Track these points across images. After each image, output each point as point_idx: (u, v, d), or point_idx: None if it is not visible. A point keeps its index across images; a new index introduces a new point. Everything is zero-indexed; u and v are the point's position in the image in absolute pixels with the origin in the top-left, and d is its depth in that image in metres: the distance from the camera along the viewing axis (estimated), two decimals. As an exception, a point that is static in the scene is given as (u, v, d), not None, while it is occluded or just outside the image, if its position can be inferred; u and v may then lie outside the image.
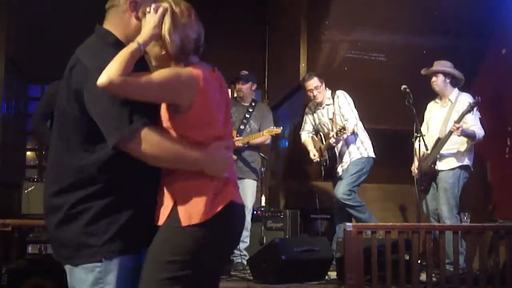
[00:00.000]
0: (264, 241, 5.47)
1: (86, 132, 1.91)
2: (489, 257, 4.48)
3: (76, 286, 1.99)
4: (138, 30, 1.94)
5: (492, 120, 5.16)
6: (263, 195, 6.82)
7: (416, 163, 5.08)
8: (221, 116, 2.02)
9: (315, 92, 5.26)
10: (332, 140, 5.07)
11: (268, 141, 5.34)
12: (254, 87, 5.37)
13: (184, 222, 1.89)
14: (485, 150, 5.22)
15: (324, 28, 5.65)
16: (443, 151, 4.94)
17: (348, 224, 4.14)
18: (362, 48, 5.71)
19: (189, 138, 1.94)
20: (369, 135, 5.32)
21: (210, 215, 1.91)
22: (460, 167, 4.93)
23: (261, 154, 6.93)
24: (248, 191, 5.13)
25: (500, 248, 4.38)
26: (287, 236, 5.49)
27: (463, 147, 4.93)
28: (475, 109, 4.80)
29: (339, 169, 5.28)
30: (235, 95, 5.42)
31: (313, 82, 5.25)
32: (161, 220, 1.94)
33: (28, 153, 7.49)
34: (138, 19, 1.99)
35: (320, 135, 5.40)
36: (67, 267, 2.00)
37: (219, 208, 1.93)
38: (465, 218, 4.84)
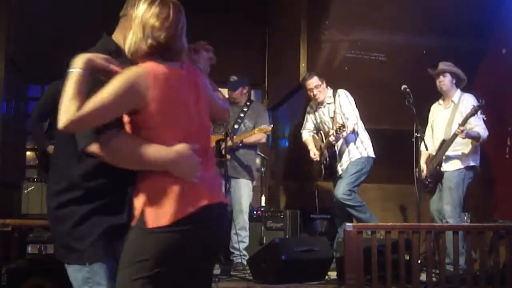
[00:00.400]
0: (264, 241, 5.47)
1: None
2: (489, 257, 4.48)
3: (72, 282, 2.08)
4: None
5: (492, 120, 5.16)
6: (263, 195, 6.82)
7: (421, 164, 5.14)
8: (187, 115, 1.98)
9: (315, 91, 5.26)
10: (332, 138, 5.08)
11: (264, 140, 5.31)
12: (245, 90, 5.29)
13: (151, 224, 1.90)
14: (485, 150, 5.22)
15: (324, 28, 5.65)
16: (448, 152, 4.98)
17: (348, 224, 4.14)
18: (362, 48, 5.71)
19: (152, 138, 1.93)
20: (369, 135, 5.32)
21: (177, 218, 1.90)
22: (466, 168, 4.98)
23: (261, 154, 6.95)
24: (243, 191, 5.10)
25: (500, 248, 4.38)
26: (287, 236, 5.49)
27: (468, 148, 4.98)
28: (479, 112, 4.83)
29: (339, 168, 5.28)
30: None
31: (313, 81, 5.25)
32: (134, 222, 1.97)
33: (28, 153, 7.48)
34: None
35: (321, 134, 5.40)
36: (65, 264, 2.08)
37: (188, 212, 1.91)
38: (465, 218, 4.85)
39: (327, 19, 5.64)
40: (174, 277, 1.94)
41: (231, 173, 5.01)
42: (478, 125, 4.88)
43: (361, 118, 5.28)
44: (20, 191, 6.05)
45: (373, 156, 5.26)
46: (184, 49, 2.02)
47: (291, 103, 6.85)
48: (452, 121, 4.99)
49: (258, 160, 7.82)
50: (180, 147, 1.94)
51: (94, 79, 1.90)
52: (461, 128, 4.77)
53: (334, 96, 5.26)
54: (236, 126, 5.16)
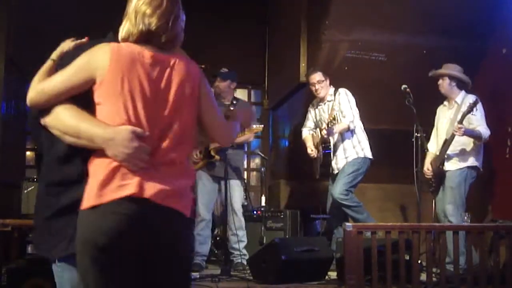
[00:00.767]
0: (264, 241, 5.47)
1: None
2: (489, 257, 4.48)
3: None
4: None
5: (492, 120, 5.16)
6: (263, 195, 6.82)
7: (427, 164, 5.19)
8: (141, 101, 1.88)
9: (317, 86, 5.27)
10: (324, 132, 5.08)
11: (252, 139, 5.30)
12: (233, 86, 5.26)
13: (82, 206, 1.83)
14: (485, 150, 5.22)
15: (324, 28, 5.65)
16: (450, 152, 5.02)
17: (348, 224, 4.14)
18: (362, 48, 5.71)
19: (99, 115, 1.89)
20: (369, 135, 5.32)
21: (96, 203, 1.80)
22: (467, 167, 5.00)
23: (261, 154, 6.95)
24: (234, 192, 5.11)
25: (500, 248, 4.38)
26: (287, 236, 5.49)
27: (469, 148, 5.00)
28: (475, 109, 4.82)
29: (334, 166, 5.25)
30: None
31: (316, 76, 5.27)
32: None
33: (28, 153, 7.47)
34: None
35: (319, 131, 5.40)
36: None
37: (109, 199, 1.79)
38: (465, 218, 4.85)
39: (327, 19, 5.63)
40: (98, 266, 1.80)
41: (221, 174, 5.00)
42: (480, 125, 4.91)
43: (361, 118, 5.28)
44: (20, 191, 6.05)
45: (370, 157, 5.24)
46: (177, 40, 2.01)
47: (291, 103, 6.85)
48: (454, 121, 5.01)
49: (258, 160, 7.83)
50: (121, 128, 1.84)
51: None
52: (459, 125, 4.77)
53: (335, 94, 5.26)
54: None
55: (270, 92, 7.62)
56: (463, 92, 5.14)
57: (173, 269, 1.91)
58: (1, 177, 5.91)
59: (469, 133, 4.85)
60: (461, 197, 4.95)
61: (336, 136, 5.22)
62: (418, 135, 5.00)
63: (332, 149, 5.26)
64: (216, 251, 5.72)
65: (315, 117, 5.46)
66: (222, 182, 5.05)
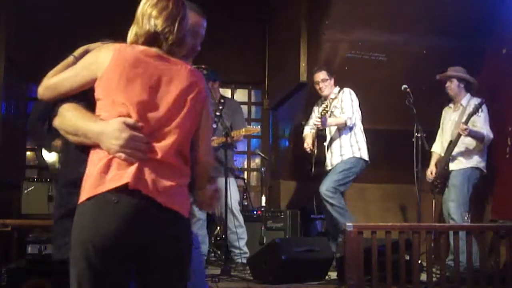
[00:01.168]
0: (264, 241, 5.47)
1: None
2: (489, 257, 4.48)
3: None
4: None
5: (492, 120, 5.17)
6: (263, 195, 6.82)
7: (431, 165, 5.30)
8: (141, 93, 1.89)
9: (321, 85, 5.28)
10: (317, 121, 5.08)
11: (242, 139, 5.31)
12: (216, 85, 5.22)
13: (79, 200, 1.85)
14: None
15: (324, 28, 5.64)
16: (455, 152, 5.11)
17: (348, 224, 4.14)
18: (362, 48, 5.70)
19: (98, 111, 1.92)
20: (369, 135, 5.31)
21: (89, 195, 1.80)
22: (471, 168, 5.08)
23: (261, 154, 6.95)
24: (229, 190, 5.09)
25: (500, 248, 4.38)
26: (287, 236, 5.49)
27: (474, 149, 5.09)
28: (481, 110, 4.91)
29: (328, 162, 5.23)
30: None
31: (321, 75, 5.28)
32: None
33: (28, 153, 7.48)
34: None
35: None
36: None
37: (100, 191, 1.79)
38: (465, 218, 4.85)
39: (327, 19, 5.62)
40: (90, 263, 1.79)
41: (214, 173, 4.98)
42: (483, 127, 5.01)
43: (361, 118, 5.28)
44: (20, 191, 6.05)
45: (366, 159, 5.22)
46: (184, 45, 2.03)
47: (291, 103, 6.85)
48: (459, 123, 5.08)
49: (258, 160, 7.83)
50: (112, 120, 1.85)
51: None
52: (464, 126, 4.85)
53: (339, 93, 5.26)
54: (214, 126, 5.11)
55: (270, 92, 7.61)
56: (468, 95, 5.24)
57: (168, 266, 1.90)
58: (1, 177, 5.92)
59: (473, 134, 4.94)
60: (464, 196, 5.01)
61: (335, 133, 5.20)
62: (418, 135, 5.01)
63: (327, 146, 5.24)
64: (216, 251, 5.72)
65: (318, 115, 5.43)
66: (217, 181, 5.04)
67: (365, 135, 5.31)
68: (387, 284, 4.07)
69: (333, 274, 4.55)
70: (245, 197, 6.34)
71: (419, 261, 4.33)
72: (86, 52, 2.07)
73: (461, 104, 5.24)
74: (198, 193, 2.10)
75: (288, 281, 4.21)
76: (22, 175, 6.80)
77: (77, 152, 1.95)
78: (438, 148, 5.42)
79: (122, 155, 1.81)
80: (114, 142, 1.81)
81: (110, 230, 1.78)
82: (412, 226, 4.45)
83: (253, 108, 7.89)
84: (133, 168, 1.81)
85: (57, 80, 2.00)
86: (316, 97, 5.54)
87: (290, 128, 6.78)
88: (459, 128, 4.98)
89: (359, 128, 5.26)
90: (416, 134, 5.02)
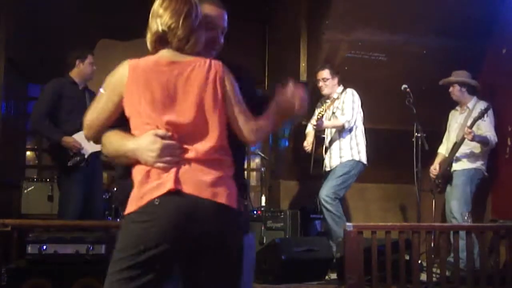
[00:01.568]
0: (264, 241, 5.47)
1: None
2: (489, 257, 4.48)
3: None
4: None
5: (492, 120, 5.19)
6: (263, 195, 6.82)
7: (435, 164, 5.36)
8: (155, 105, 1.95)
9: (321, 83, 5.27)
10: (313, 122, 5.10)
11: None
12: None
13: (126, 211, 1.94)
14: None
15: (324, 28, 5.64)
16: (459, 153, 5.18)
17: (348, 224, 4.14)
18: (362, 48, 5.70)
19: (132, 128, 2.01)
20: (369, 135, 5.31)
21: (138, 206, 1.89)
22: (474, 169, 5.16)
23: (261, 154, 6.94)
24: None
25: (500, 248, 4.38)
26: (287, 236, 5.49)
27: (477, 151, 5.16)
28: (486, 115, 4.99)
29: (327, 163, 5.22)
30: None
31: (323, 73, 5.28)
32: None
33: (28, 153, 7.48)
34: None
35: None
36: None
37: (147, 200, 1.88)
38: (465, 218, 4.86)
39: (327, 19, 5.62)
40: (131, 270, 1.86)
41: None
42: (488, 132, 5.08)
43: (363, 119, 5.27)
44: (20, 191, 6.05)
45: (365, 162, 5.21)
46: (193, 41, 2.02)
47: (291, 103, 6.83)
48: (464, 126, 5.15)
49: (258, 160, 7.83)
50: (143, 135, 1.94)
51: None
52: (469, 130, 4.92)
53: (342, 93, 5.25)
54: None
55: (270, 92, 7.60)
56: (475, 98, 5.30)
57: (219, 261, 1.93)
58: (1, 177, 5.91)
59: (478, 138, 5.01)
60: (466, 196, 5.07)
61: (335, 134, 5.19)
62: (418, 135, 5.02)
63: (326, 147, 5.24)
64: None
65: (320, 114, 5.41)
66: None
67: (365, 135, 5.31)
68: (387, 284, 4.07)
69: (333, 274, 4.55)
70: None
71: (419, 261, 4.33)
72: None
73: (468, 107, 5.31)
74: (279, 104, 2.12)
75: (288, 281, 4.22)
76: (22, 175, 6.79)
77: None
78: (443, 149, 5.48)
79: (160, 165, 1.91)
80: (150, 154, 1.91)
81: (156, 231, 1.85)
82: (412, 226, 4.45)
83: (253, 108, 7.87)
84: (172, 174, 1.90)
85: (90, 116, 2.07)
86: (315, 97, 5.54)
87: (290, 128, 6.77)
88: (464, 130, 5.04)
89: (360, 130, 5.23)
90: (416, 134, 5.03)
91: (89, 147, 4.79)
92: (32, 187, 5.98)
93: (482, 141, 5.06)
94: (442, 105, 5.55)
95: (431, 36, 5.61)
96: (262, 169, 7.11)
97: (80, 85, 5.03)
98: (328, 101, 5.34)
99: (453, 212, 5.01)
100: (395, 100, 5.28)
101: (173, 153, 1.91)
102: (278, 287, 4.16)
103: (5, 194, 6.11)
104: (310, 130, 5.49)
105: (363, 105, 5.30)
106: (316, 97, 5.53)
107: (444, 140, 5.54)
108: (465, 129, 4.97)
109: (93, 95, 4.60)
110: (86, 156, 4.81)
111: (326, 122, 5.11)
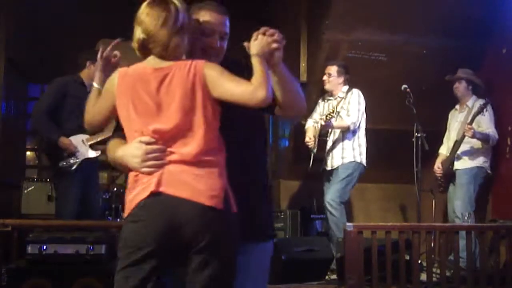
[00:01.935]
0: (264, 241, 5.45)
1: None
2: (489, 257, 4.48)
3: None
4: None
5: (492, 120, 5.20)
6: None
7: (437, 164, 5.36)
8: (147, 112, 2.00)
9: (325, 77, 5.25)
10: (322, 123, 5.06)
11: None
12: None
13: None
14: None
15: (324, 28, 5.64)
16: (460, 151, 5.19)
17: (348, 224, 4.14)
18: (362, 48, 5.70)
19: (125, 134, 2.09)
20: (369, 135, 5.30)
21: (129, 209, 2.00)
22: (477, 167, 5.17)
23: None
24: None
25: (500, 248, 4.38)
26: (287, 236, 5.49)
27: (479, 148, 5.17)
28: (485, 110, 5.01)
29: (328, 162, 5.19)
30: None
31: (331, 69, 5.25)
32: None
33: (28, 153, 7.48)
34: None
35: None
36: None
37: (135, 203, 1.97)
38: (466, 217, 4.87)
39: (327, 19, 5.63)
40: (126, 270, 1.95)
41: None
42: (488, 128, 5.09)
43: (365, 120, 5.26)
44: (20, 191, 6.05)
45: (365, 165, 5.19)
46: (172, 47, 2.02)
47: (291, 103, 6.83)
48: (465, 124, 5.16)
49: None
50: (129, 143, 2.04)
51: None
52: (469, 126, 4.93)
53: (347, 93, 5.21)
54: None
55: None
56: (474, 97, 5.32)
57: (207, 260, 1.95)
58: (1, 177, 5.92)
59: (479, 135, 5.02)
60: (470, 195, 5.08)
61: (338, 133, 5.18)
62: (418, 135, 5.02)
63: (328, 145, 5.20)
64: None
65: (322, 110, 5.37)
66: None
67: (366, 136, 5.30)
68: (387, 284, 4.07)
69: (333, 274, 4.55)
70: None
71: (419, 261, 4.33)
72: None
73: (467, 105, 5.32)
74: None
75: (288, 281, 4.21)
76: (22, 175, 6.80)
77: None
78: (444, 149, 5.49)
79: (145, 170, 1.97)
80: (135, 160, 1.98)
81: (144, 231, 1.94)
82: (412, 226, 4.45)
83: (253, 108, 7.87)
84: (155, 177, 1.96)
85: (88, 115, 2.21)
86: (315, 97, 5.54)
87: (290, 128, 6.77)
88: (464, 127, 5.05)
89: (362, 132, 5.20)
90: (416, 134, 5.03)
91: (85, 152, 4.79)
92: (32, 187, 5.98)
93: (483, 138, 5.07)
94: (442, 105, 5.56)
95: (431, 36, 5.61)
96: (262, 169, 7.09)
97: (88, 86, 5.01)
98: (330, 98, 5.30)
99: (456, 212, 5.01)
100: (395, 100, 5.28)
101: (157, 157, 1.97)
102: (278, 287, 4.16)
103: (5, 194, 6.11)
104: (310, 125, 5.44)
105: (363, 105, 5.30)
106: (316, 97, 5.53)
107: (444, 140, 5.55)
108: (465, 126, 4.97)
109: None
110: (79, 160, 4.77)
111: (333, 123, 5.07)
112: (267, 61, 2.03)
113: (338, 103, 5.14)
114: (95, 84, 2.25)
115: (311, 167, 5.33)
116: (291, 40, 6.41)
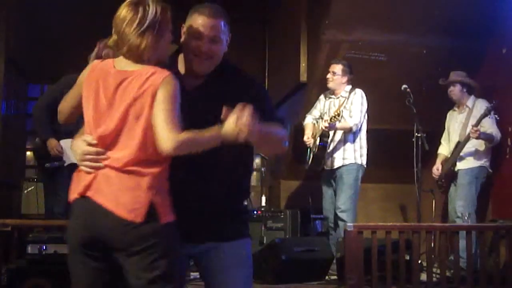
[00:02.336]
0: (264, 241, 5.47)
1: None
2: (489, 257, 4.48)
3: None
4: None
5: (492, 120, 5.20)
6: (263, 195, 6.82)
7: (437, 165, 5.38)
8: (100, 113, 2.04)
9: (329, 75, 5.22)
10: (325, 125, 4.98)
11: None
12: None
13: None
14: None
15: (324, 28, 5.64)
16: (463, 152, 5.19)
17: (348, 224, 4.14)
18: (362, 48, 5.70)
19: None
20: (369, 135, 5.30)
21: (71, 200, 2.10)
22: (479, 167, 5.18)
23: (261, 154, 6.94)
24: None
25: (500, 248, 4.38)
26: (287, 236, 5.49)
27: (481, 149, 5.18)
28: (492, 112, 5.03)
29: (328, 162, 5.16)
30: None
31: (335, 67, 5.22)
32: None
33: (28, 153, 7.47)
34: None
35: (321, 122, 5.29)
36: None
37: (72, 201, 2.08)
38: (466, 218, 4.87)
39: (327, 19, 5.63)
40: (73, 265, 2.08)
41: None
42: (491, 128, 5.10)
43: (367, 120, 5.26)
44: (20, 191, 6.05)
45: (365, 166, 5.17)
46: (139, 51, 2.02)
47: (291, 103, 6.84)
48: (467, 125, 5.18)
49: (258, 160, 7.83)
50: (80, 137, 2.10)
51: None
52: (475, 128, 4.94)
53: (350, 93, 5.17)
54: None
55: (270, 92, 7.58)
56: (472, 97, 5.32)
57: (130, 266, 2.01)
58: (1, 177, 5.92)
59: (483, 136, 5.03)
60: (471, 195, 5.10)
61: (339, 134, 5.16)
62: (418, 135, 5.02)
63: (329, 145, 5.17)
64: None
65: (323, 108, 5.34)
66: None
67: (366, 136, 5.30)
68: (387, 284, 4.07)
69: (333, 274, 4.55)
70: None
71: (419, 261, 4.33)
72: None
73: (467, 106, 5.31)
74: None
75: (288, 281, 4.21)
76: (22, 175, 6.80)
77: None
78: (445, 150, 5.47)
79: (83, 168, 2.05)
80: (76, 156, 2.08)
81: (72, 227, 2.06)
82: (412, 226, 4.46)
83: (253, 108, 7.86)
84: (87, 180, 2.02)
85: (62, 104, 2.22)
86: (315, 97, 5.53)
87: (290, 128, 6.77)
88: (467, 129, 5.08)
89: (364, 133, 5.16)
90: (416, 134, 5.02)
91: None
92: (32, 187, 5.98)
93: (487, 138, 5.08)
94: (442, 105, 5.55)
95: (431, 36, 5.61)
96: (262, 169, 7.10)
97: None
98: (332, 96, 5.27)
99: (457, 212, 5.02)
100: (395, 100, 5.28)
101: (93, 160, 2.03)
102: (278, 287, 4.16)
103: (5, 194, 6.11)
104: (308, 122, 5.41)
105: (363, 105, 5.29)
106: (316, 97, 5.52)
107: (443, 141, 5.54)
108: (471, 128, 4.98)
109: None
110: (65, 164, 4.65)
111: (337, 125, 5.02)
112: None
113: (341, 104, 5.11)
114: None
115: (309, 166, 5.31)
116: (291, 40, 6.42)
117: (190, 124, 2.03)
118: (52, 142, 4.67)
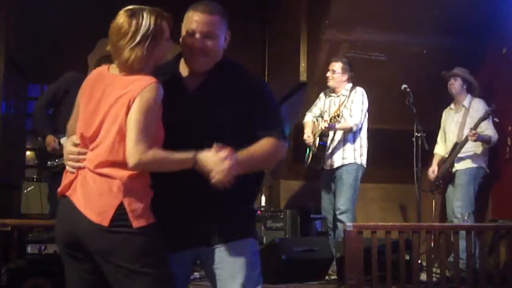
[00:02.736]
0: (264, 241, 5.47)
1: None
2: (489, 257, 4.48)
3: None
4: None
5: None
6: (263, 195, 6.82)
7: (433, 165, 5.38)
8: (87, 114, 2.10)
9: (329, 74, 5.19)
10: (325, 125, 4.95)
11: None
12: None
13: None
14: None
15: (324, 28, 5.64)
16: (460, 153, 5.18)
17: (348, 224, 4.14)
18: (362, 48, 5.70)
19: None
20: (369, 134, 5.29)
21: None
22: (476, 167, 5.18)
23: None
24: None
25: (500, 248, 4.38)
26: (287, 236, 5.49)
27: (479, 150, 5.18)
28: (490, 116, 5.05)
29: (328, 162, 5.13)
30: None
31: (335, 65, 5.19)
32: None
33: (28, 153, 7.48)
34: None
35: (321, 121, 5.26)
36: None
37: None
38: (465, 217, 4.87)
39: (327, 19, 5.63)
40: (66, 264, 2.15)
41: None
42: (488, 129, 5.09)
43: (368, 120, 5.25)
44: (20, 191, 6.05)
45: (365, 165, 5.15)
46: (129, 63, 2.04)
47: (291, 103, 6.84)
48: (464, 125, 5.17)
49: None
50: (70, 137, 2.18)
51: None
52: (473, 131, 4.95)
53: (351, 91, 5.13)
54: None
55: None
56: (469, 96, 5.30)
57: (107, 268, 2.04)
58: (1, 177, 5.92)
59: (481, 138, 5.04)
60: (469, 195, 5.09)
61: (339, 133, 5.12)
62: (418, 135, 5.02)
63: (329, 144, 5.14)
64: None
65: (323, 106, 5.31)
66: None
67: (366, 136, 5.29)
68: (387, 284, 4.07)
69: (333, 274, 4.55)
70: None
71: (419, 261, 4.33)
72: None
73: (463, 105, 5.29)
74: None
75: (288, 281, 4.21)
76: (22, 175, 6.80)
77: None
78: (441, 150, 5.45)
79: (67, 167, 2.13)
80: (64, 157, 2.16)
81: (56, 228, 2.13)
82: (412, 226, 4.45)
83: (253, 108, 7.86)
84: (71, 178, 2.09)
85: (68, 124, 2.24)
86: (315, 97, 5.53)
87: (290, 128, 6.77)
88: (464, 129, 5.08)
89: (364, 132, 5.14)
90: (416, 134, 5.02)
91: None
92: (32, 187, 5.98)
93: (485, 140, 5.08)
94: (442, 105, 5.55)
95: (431, 36, 5.61)
96: (262, 169, 7.09)
97: None
98: (333, 94, 5.24)
99: (455, 213, 5.01)
100: (395, 100, 5.28)
101: (75, 159, 2.09)
102: (278, 287, 4.16)
103: (5, 194, 6.11)
104: (308, 120, 5.38)
105: (364, 105, 5.28)
106: (316, 97, 5.52)
107: (439, 140, 5.50)
108: (469, 131, 4.98)
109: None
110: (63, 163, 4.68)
111: (337, 125, 4.98)
112: None
113: (341, 104, 5.09)
114: None
115: (308, 165, 5.29)
116: (291, 40, 6.42)
117: (191, 124, 2.02)
118: (49, 139, 4.68)
